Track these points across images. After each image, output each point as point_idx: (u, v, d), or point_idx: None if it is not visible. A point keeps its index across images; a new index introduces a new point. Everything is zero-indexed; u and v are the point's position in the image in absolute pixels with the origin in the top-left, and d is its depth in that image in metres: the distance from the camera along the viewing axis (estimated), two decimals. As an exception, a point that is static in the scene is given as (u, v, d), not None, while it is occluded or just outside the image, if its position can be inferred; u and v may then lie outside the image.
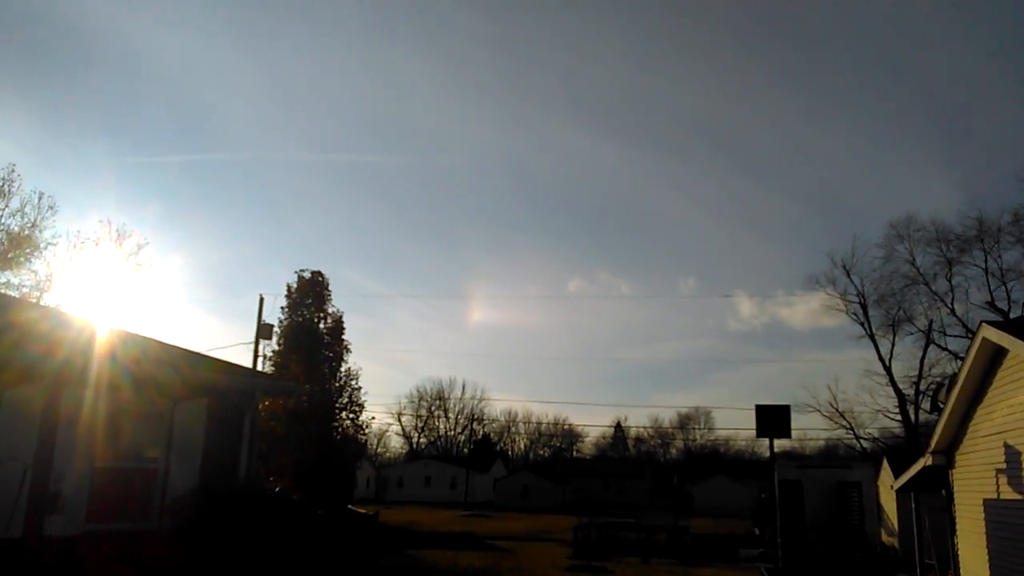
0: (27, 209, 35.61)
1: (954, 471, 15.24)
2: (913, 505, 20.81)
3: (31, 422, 9.91)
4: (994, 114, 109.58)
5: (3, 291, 29.72)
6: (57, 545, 9.79)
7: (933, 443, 15.60)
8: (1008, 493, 12.11)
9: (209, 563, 10.23)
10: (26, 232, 35.44)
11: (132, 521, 10.77)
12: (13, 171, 35.56)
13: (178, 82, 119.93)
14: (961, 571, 15.15)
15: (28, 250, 35.47)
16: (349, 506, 29.63)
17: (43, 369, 10.09)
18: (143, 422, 11.25)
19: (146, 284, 51.36)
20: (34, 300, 32.11)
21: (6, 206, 35.18)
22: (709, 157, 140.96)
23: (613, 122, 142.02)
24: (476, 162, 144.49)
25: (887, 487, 25.66)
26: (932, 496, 18.67)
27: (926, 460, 16.01)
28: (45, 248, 36.04)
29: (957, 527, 15.29)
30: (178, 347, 13.56)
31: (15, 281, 35.20)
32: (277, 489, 13.37)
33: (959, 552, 15.22)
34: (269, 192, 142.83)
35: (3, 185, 35.00)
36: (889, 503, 26.80)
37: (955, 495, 15.34)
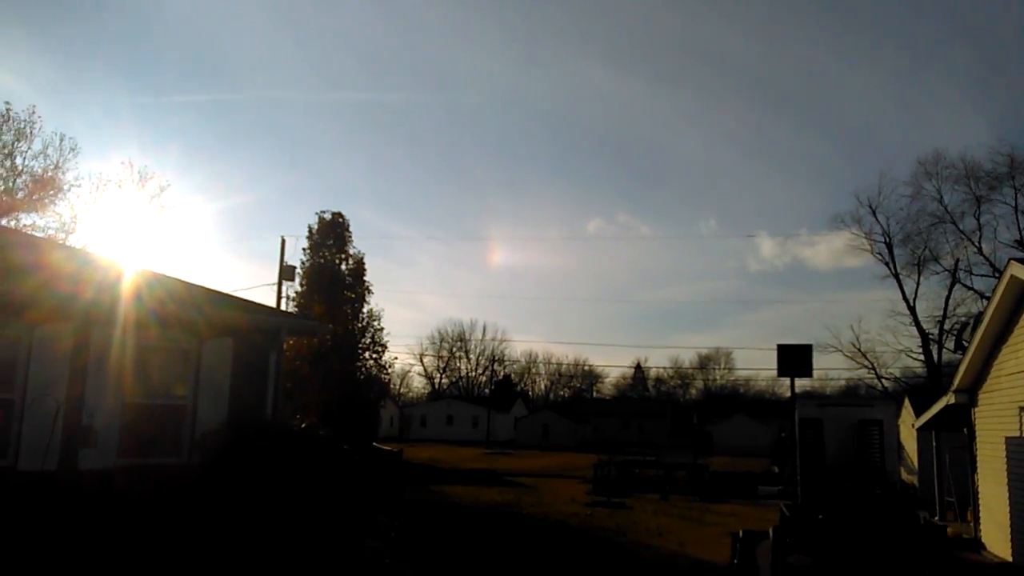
0: (49, 151, 35.71)
1: (976, 409, 15.21)
2: (934, 443, 20.87)
3: (62, 359, 10.10)
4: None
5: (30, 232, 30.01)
6: (91, 478, 10.07)
7: (956, 382, 15.55)
8: (1031, 431, 12.08)
9: (238, 495, 10.50)
10: (49, 174, 35.60)
11: (163, 455, 11.05)
12: (34, 113, 35.61)
13: (192, 22, 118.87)
14: (980, 508, 15.24)
15: (52, 192, 35.67)
16: (374, 443, 30.18)
17: (72, 308, 10.24)
18: (170, 360, 11.44)
19: (169, 226, 51.72)
20: (60, 241, 32.44)
21: (28, 148, 35.30)
22: (733, 93, 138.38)
23: (634, 58, 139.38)
24: (494, 100, 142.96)
25: (908, 426, 25.72)
26: (952, 435, 18.70)
27: (949, 398, 15.98)
28: (68, 190, 36.22)
29: (978, 465, 15.33)
30: (203, 287, 13.69)
31: (40, 223, 35.53)
32: (304, 426, 13.64)
33: (979, 489, 15.29)
34: (287, 133, 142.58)
35: (25, 127, 35.06)
36: (910, 442, 26.91)
37: (977, 433, 15.34)
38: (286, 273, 33.35)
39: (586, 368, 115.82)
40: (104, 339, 10.46)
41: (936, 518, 19.30)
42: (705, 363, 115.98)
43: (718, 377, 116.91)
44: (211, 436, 11.20)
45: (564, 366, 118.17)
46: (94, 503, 9.89)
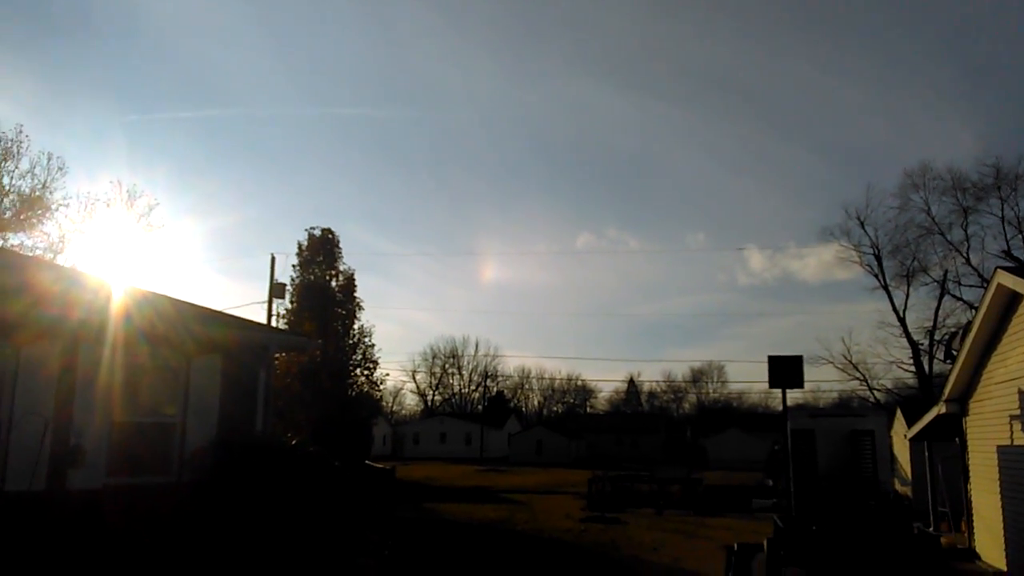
0: (36, 170, 35.67)
1: (967, 419, 15.24)
2: (926, 454, 20.89)
3: (49, 379, 10.03)
4: (1013, 60, 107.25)
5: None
6: (79, 498, 9.97)
7: (947, 391, 15.58)
8: (1022, 439, 12.11)
9: (228, 513, 10.41)
10: (36, 193, 35.53)
11: (152, 474, 10.94)
12: (21, 132, 35.61)
13: (180, 39, 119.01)
14: (974, 517, 15.23)
15: (40, 212, 35.58)
16: (366, 461, 29.98)
17: (60, 328, 10.18)
18: (159, 378, 11.36)
19: (158, 245, 51.53)
20: (48, 261, 32.28)
21: (16, 167, 35.23)
22: (721, 106, 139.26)
23: (622, 71, 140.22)
24: (483, 115, 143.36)
25: (901, 437, 25.75)
26: (945, 445, 18.72)
27: (940, 408, 16.01)
28: (56, 209, 36.15)
29: (970, 474, 15.34)
30: (191, 304, 13.62)
31: (28, 243, 35.42)
32: (294, 443, 13.59)
33: (972, 499, 15.29)
34: (277, 150, 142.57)
35: (12, 146, 35.01)
36: (903, 453, 26.92)
37: (968, 443, 15.36)
38: (276, 290, 33.23)
39: (579, 383, 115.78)
40: (92, 359, 10.39)
41: (930, 528, 19.28)
42: (698, 377, 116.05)
43: (711, 391, 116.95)
44: (201, 454, 11.11)
45: (557, 381, 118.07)
46: (83, 523, 9.79)
